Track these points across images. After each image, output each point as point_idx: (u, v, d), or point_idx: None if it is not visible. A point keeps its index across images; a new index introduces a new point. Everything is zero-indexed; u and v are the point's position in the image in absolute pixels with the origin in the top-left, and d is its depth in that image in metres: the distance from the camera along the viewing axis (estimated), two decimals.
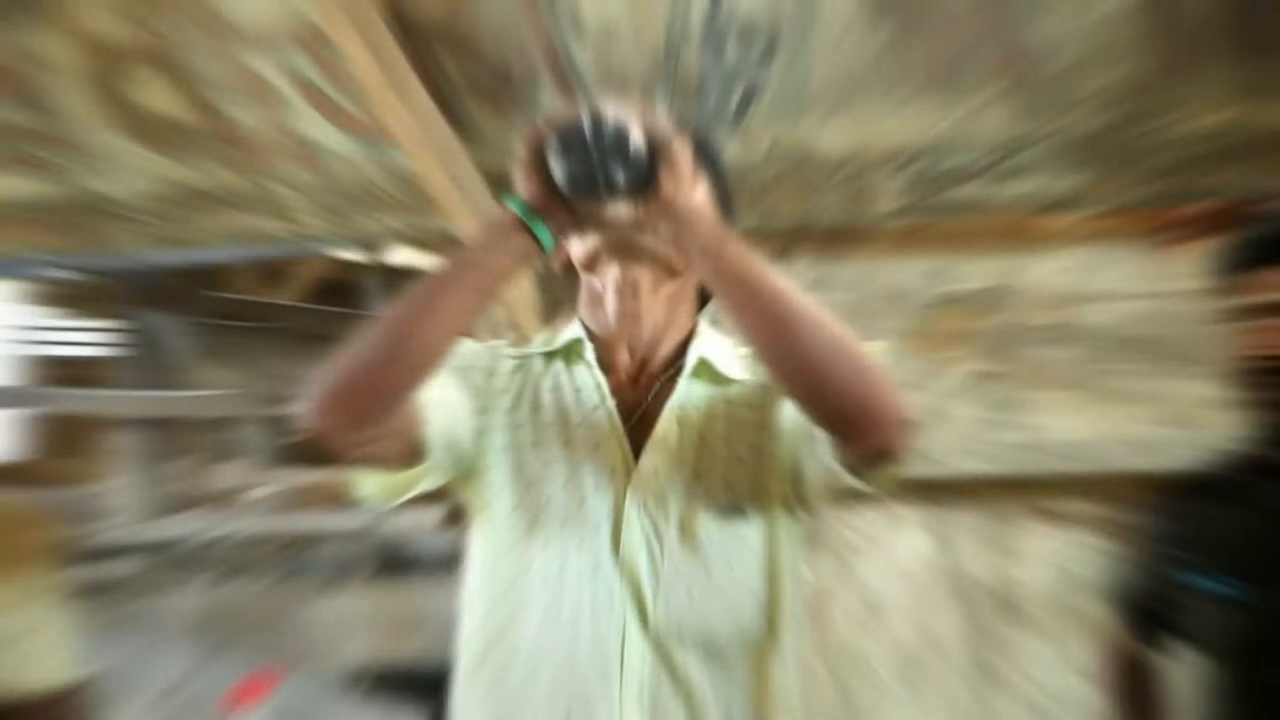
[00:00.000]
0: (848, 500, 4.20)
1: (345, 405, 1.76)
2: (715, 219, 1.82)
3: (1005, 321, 4.10)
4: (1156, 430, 3.96)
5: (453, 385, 2.03)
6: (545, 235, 1.83)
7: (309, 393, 1.77)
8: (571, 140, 1.74)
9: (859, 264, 4.23)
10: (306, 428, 1.77)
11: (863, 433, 1.78)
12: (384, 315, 1.80)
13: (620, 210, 1.83)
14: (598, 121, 1.74)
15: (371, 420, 1.79)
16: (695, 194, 1.83)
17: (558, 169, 1.76)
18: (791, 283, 1.80)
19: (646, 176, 1.78)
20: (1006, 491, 4.10)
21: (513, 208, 1.83)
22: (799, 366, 1.75)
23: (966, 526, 4.14)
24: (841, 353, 1.75)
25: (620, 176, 1.75)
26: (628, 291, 2.03)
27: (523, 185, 1.83)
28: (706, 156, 2.10)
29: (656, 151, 1.79)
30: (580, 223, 1.87)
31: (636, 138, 1.76)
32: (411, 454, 1.94)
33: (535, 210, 1.82)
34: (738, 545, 2.00)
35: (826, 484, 1.97)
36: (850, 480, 1.92)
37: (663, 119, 1.83)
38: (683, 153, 1.81)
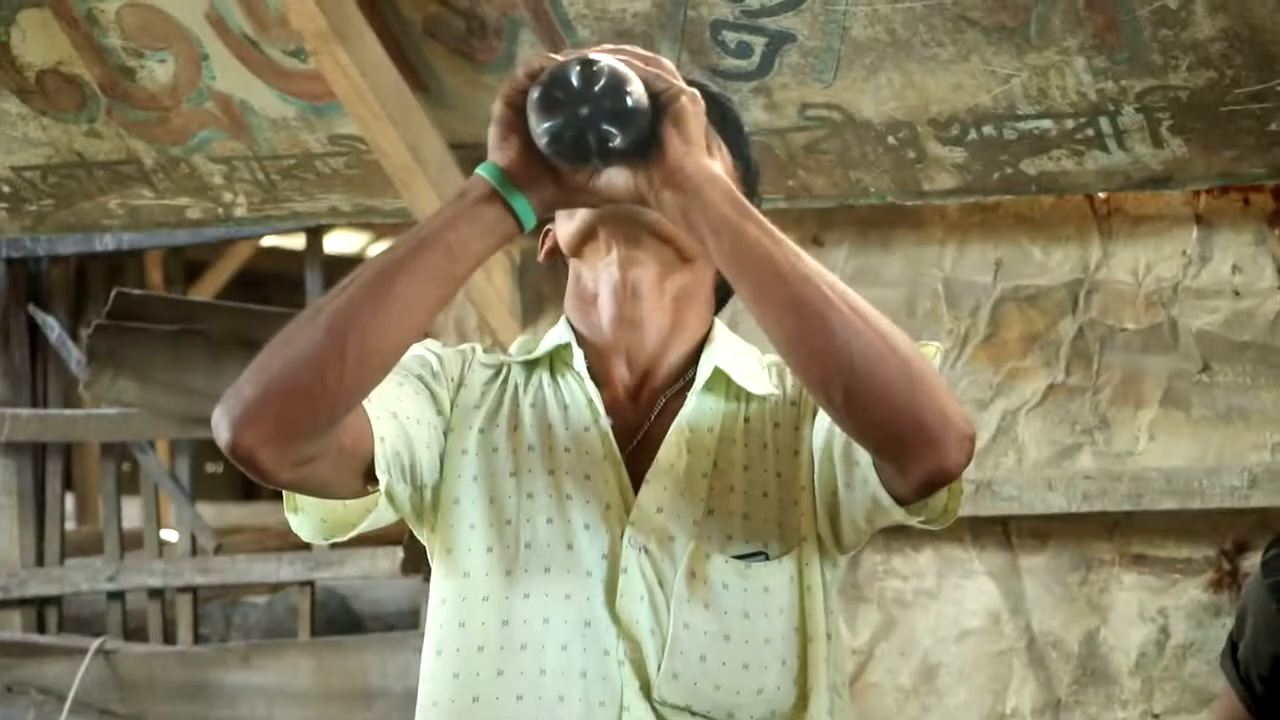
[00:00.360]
0: (896, 541, 4.20)
1: (274, 415, 1.73)
2: (732, 188, 1.81)
3: (1089, 324, 4.10)
4: (1277, 458, 3.95)
5: (412, 397, 2.00)
6: (525, 209, 1.82)
7: (230, 399, 1.74)
8: (555, 92, 1.74)
9: (909, 253, 4.23)
10: (226, 443, 1.74)
11: (913, 450, 1.75)
12: (324, 302, 1.78)
13: (615, 178, 1.83)
14: (587, 69, 1.74)
15: (306, 434, 1.76)
16: (707, 158, 1.82)
17: (538, 127, 1.76)
18: (824, 269, 1.78)
19: (647, 135, 1.78)
20: (1091, 532, 4.09)
21: (485, 175, 1.82)
22: (834, 368, 1.73)
23: (1042, 575, 4.13)
24: (887, 350, 1.73)
25: (614, 136, 1.75)
26: (627, 294, 2.02)
27: (497, 148, 1.82)
28: (724, 120, 2.10)
29: (660, 105, 1.78)
30: (567, 193, 1.86)
31: (635, 88, 1.75)
32: (358, 479, 1.91)
33: (512, 178, 1.81)
34: (760, 596, 1.96)
35: (869, 518, 1.94)
36: (898, 513, 1.89)
37: (668, 66, 1.83)
38: (693, 107, 1.80)
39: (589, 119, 1.73)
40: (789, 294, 1.75)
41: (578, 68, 1.74)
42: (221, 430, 1.74)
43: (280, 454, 1.76)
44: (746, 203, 1.81)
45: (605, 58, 1.76)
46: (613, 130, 1.74)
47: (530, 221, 1.84)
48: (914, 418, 1.73)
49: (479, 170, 1.82)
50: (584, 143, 1.75)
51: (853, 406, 1.74)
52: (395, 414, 1.94)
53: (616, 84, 1.74)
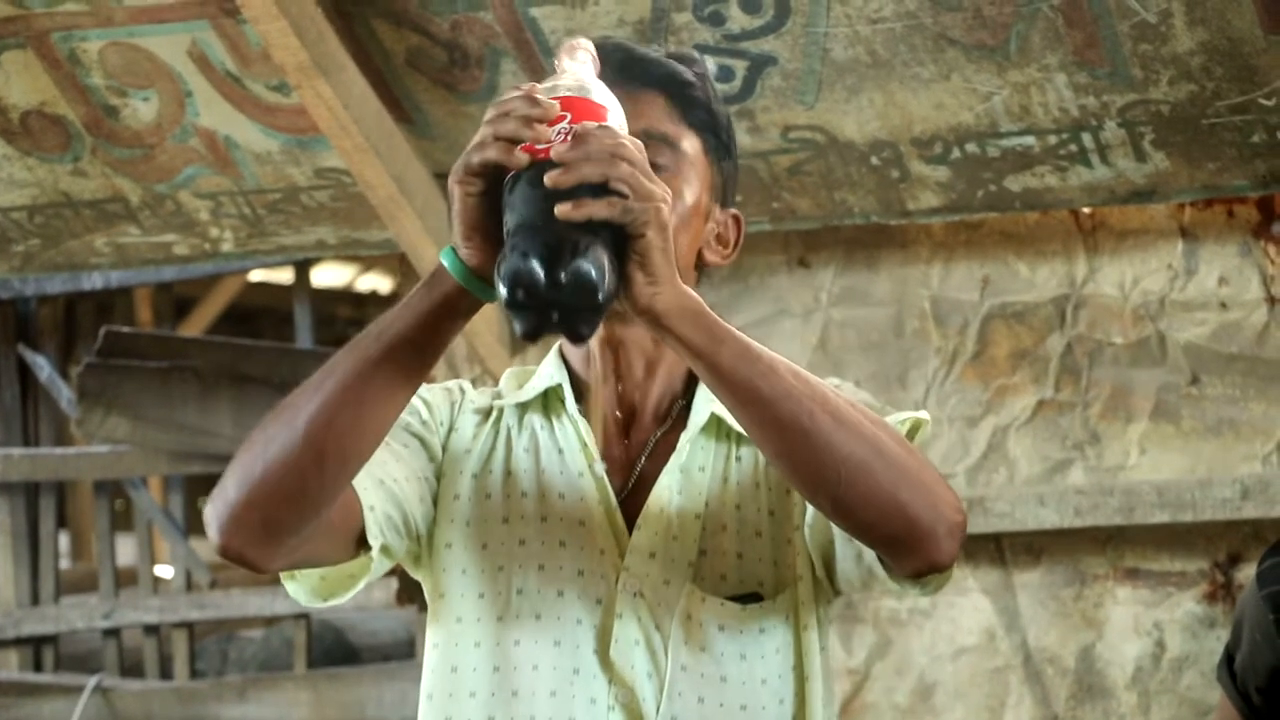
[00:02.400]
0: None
1: (259, 519, 1.74)
2: (704, 314, 1.75)
3: (1077, 339, 4.09)
4: (1268, 469, 3.94)
5: (400, 453, 1.99)
6: (493, 295, 1.73)
7: (217, 501, 1.76)
8: (521, 296, 1.65)
9: (895, 272, 4.22)
10: (217, 546, 1.76)
11: (904, 547, 1.78)
12: (300, 401, 1.76)
13: None
14: (554, 275, 1.64)
15: (292, 531, 1.77)
16: (677, 287, 1.74)
17: (508, 318, 1.69)
18: (808, 376, 1.76)
19: (615, 287, 1.70)
20: (1084, 547, 4.08)
21: (453, 274, 1.74)
22: (820, 481, 1.74)
23: (1036, 591, 4.12)
24: (873, 456, 1.74)
25: (585, 330, 1.69)
26: (613, 347, 2.03)
27: (462, 245, 1.74)
28: (687, 107, 2.03)
29: (627, 242, 1.69)
30: None
31: (607, 286, 1.66)
32: (350, 546, 1.91)
33: (480, 274, 1.73)
34: (756, 637, 1.97)
35: (864, 583, 1.94)
36: (893, 586, 1.90)
37: (627, 172, 1.68)
38: (659, 241, 1.70)
39: (560, 321, 1.67)
40: (769, 415, 1.74)
41: (543, 274, 1.64)
42: (211, 533, 1.77)
43: (269, 551, 1.78)
44: (720, 326, 1.75)
45: (566, 251, 1.65)
46: (584, 327, 1.68)
47: (495, 298, 1.73)
48: (904, 518, 1.75)
49: (445, 262, 1.74)
50: (556, 331, 1.68)
51: (842, 513, 1.77)
52: (382, 480, 1.93)
53: (585, 287, 1.65)
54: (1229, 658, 2.82)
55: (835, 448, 1.73)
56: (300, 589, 1.97)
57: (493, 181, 1.70)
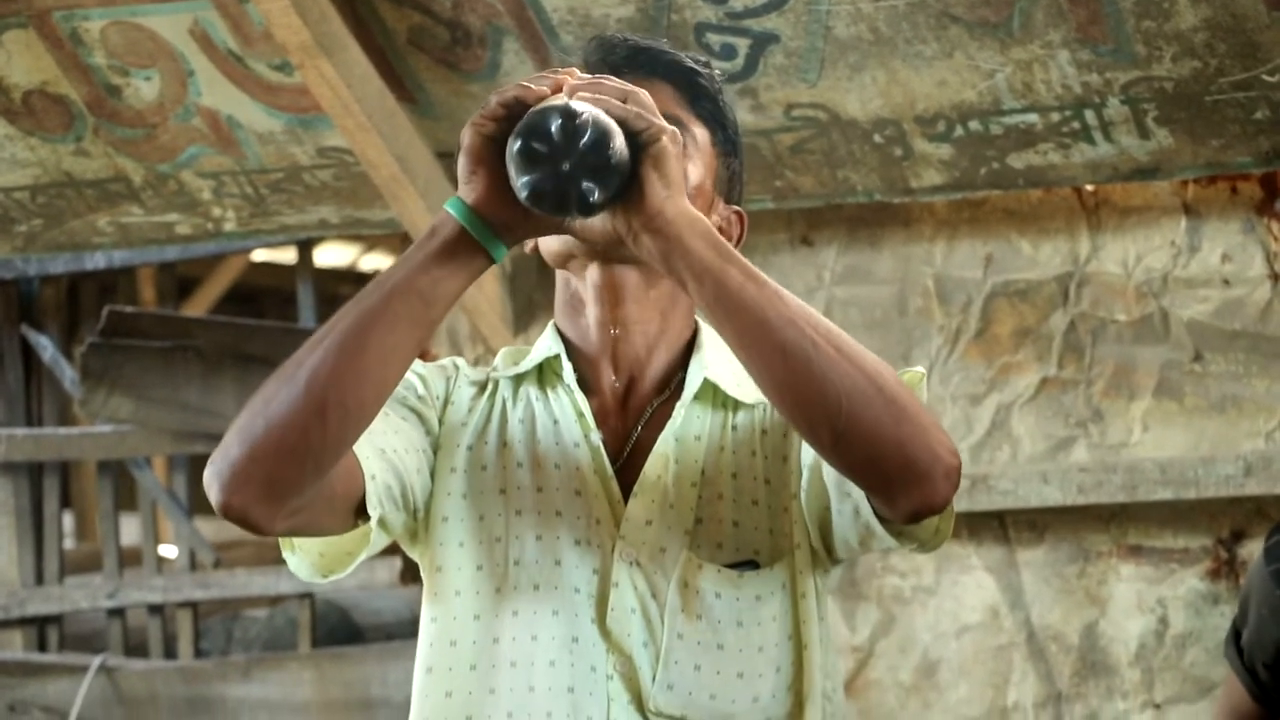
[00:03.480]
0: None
1: (262, 476, 1.74)
2: (713, 232, 1.78)
3: (1080, 316, 4.08)
4: (1271, 446, 3.94)
5: (399, 425, 1.99)
6: (496, 246, 1.79)
7: (218, 460, 1.75)
8: (535, 144, 1.70)
9: (898, 250, 4.22)
10: (218, 504, 1.75)
11: (901, 486, 1.76)
12: (302, 356, 1.76)
13: (593, 219, 1.80)
14: (569, 122, 1.70)
15: (296, 490, 1.76)
16: (687, 200, 1.78)
17: (518, 180, 1.72)
18: (809, 308, 1.77)
19: (628, 183, 1.74)
20: (1088, 524, 4.08)
21: (454, 214, 1.78)
22: (821, 412, 1.73)
23: (1039, 568, 4.12)
24: (873, 391, 1.73)
25: (595, 192, 1.71)
26: (611, 297, 2.00)
27: (465, 182, 1.78)
28: (695, 96, 2.04)
29: (639, 144, 1.74)
30: (541, 228, 1.84)
31: (617, 143, 1.71)
32: (350, 516, 1.91)
33: (481, 216, 1.77)
34: (752, 605, 1.97)
35: (862, 541, 1.94)
36: (890, 541, 1.89)
37: (646, 102, 1.77)
38: (673, 147, 1.76)
39: (570, 175, 1.70)
40: (774, 341, 1.74)
41: (559, 120, 1.70)
42: (213, 492, 1.76)
43: (272, 511, 1.77)
44: (728, 246, 1.78)
45: (587, 108, 1.71)
46: (594, 186, 1.70)
47: (501, 256, 1.81)
48: (902, 456, 1.74)
49: (447, 207, 1.79)
50: (564, 198, 1.71)
51: (841, 447, 1.76)
52: (383, 450, 1.93)
53: (599, 139, 1.70)
54: (1236, 634, 2.82)
55: (839, 378, 1.72)
56: (301, 563, 1.97)
57: (505, 130, 1.75)
